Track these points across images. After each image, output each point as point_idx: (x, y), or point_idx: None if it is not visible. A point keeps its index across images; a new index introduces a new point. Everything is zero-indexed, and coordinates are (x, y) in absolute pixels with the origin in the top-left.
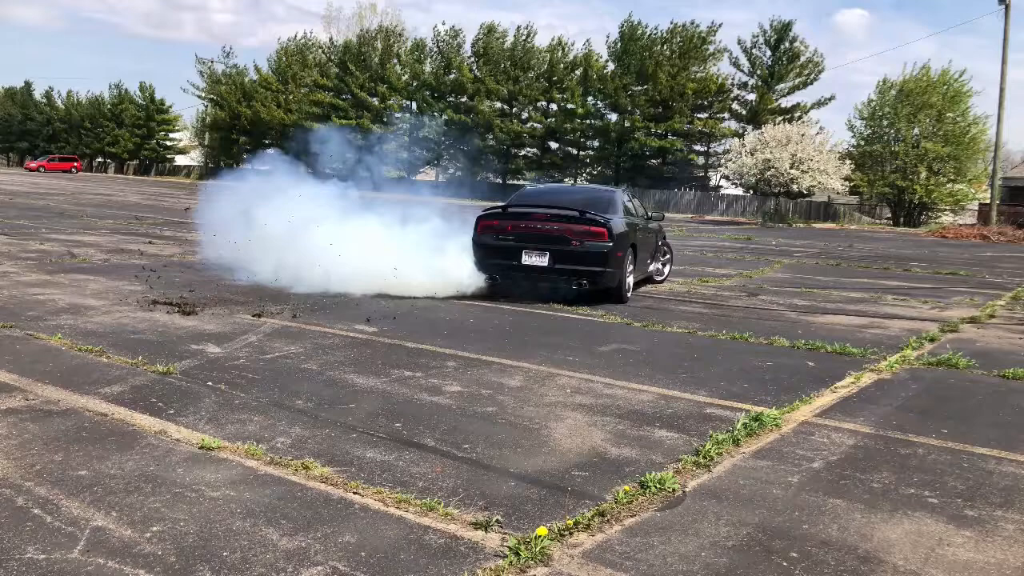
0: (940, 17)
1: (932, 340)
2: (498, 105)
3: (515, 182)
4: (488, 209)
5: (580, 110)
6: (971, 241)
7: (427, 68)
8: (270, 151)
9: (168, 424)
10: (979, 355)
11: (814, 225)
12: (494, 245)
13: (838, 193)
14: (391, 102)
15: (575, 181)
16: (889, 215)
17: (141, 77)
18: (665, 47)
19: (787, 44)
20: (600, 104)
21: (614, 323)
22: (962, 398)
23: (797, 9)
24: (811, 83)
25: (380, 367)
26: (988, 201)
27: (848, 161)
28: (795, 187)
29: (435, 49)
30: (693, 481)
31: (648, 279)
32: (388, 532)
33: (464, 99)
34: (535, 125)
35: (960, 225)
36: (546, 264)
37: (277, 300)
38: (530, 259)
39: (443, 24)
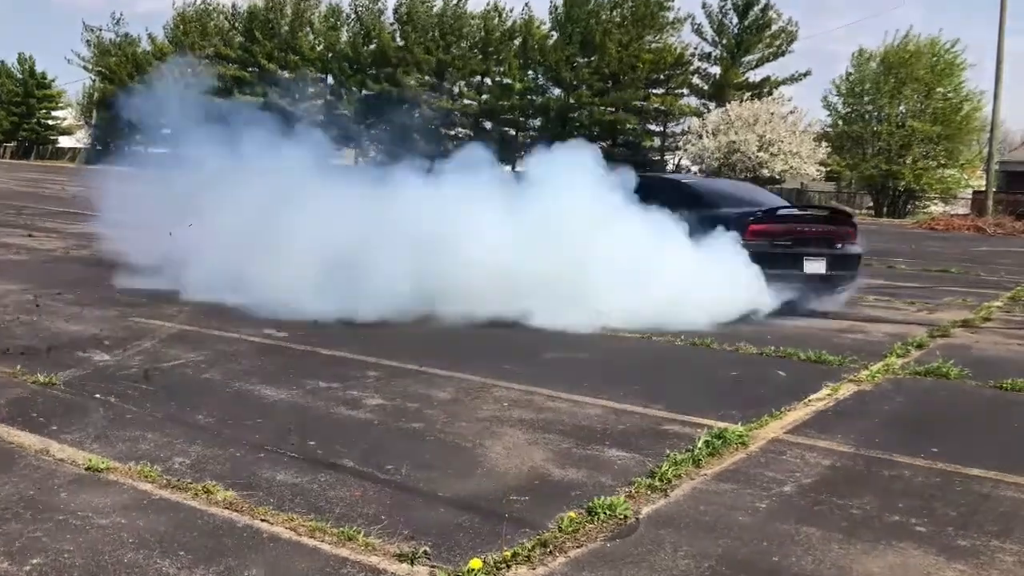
0: None
1: (920, 346)
2: (426, 79)
3: None
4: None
5: (519, 85)
6: (964, 234)
7: (344, 37)
8: (166, 130)
9: (50, 442)
10: (973, 363)
11: None
12: (771, 253)
13: (813, 179)
14: (302, 74)
15: (513, 166)
16: (871, 204)
17: (19, 47)
18: (615, 13)
19: (757, 10)
20: (541, 78)
21: (581, 333)
22: (954, 413)
23: None
24: (782, 54)
25: (292, 377)
26: (983, 188)
27: (824, 143)
28: (764, 172)
29: (353, 15)
30: (647, 507)
31: None
32: (300, 565)
33: (387, 71)
34: (468, 102)
35: (952, 216)
36: (823, 271)
37: (176, 302)
38: (811, 267)
39: None
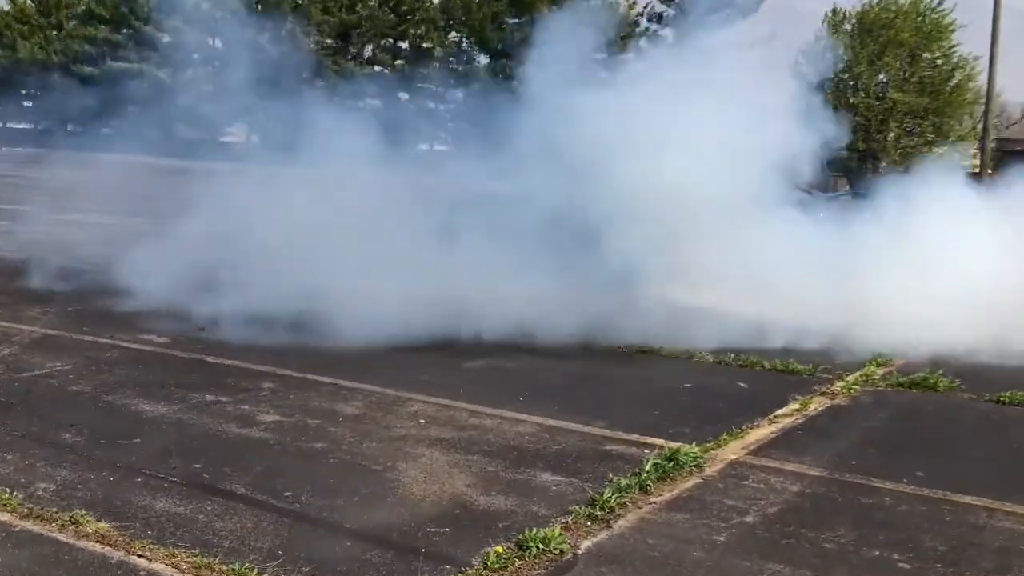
0: None
1: (904, 353)
2: (329, 41)
3: None
4: None
5: (439, 50)
6: None
7: None
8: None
9: None
10: (967, 373)
11: None
12: None
13: None
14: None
15: (432, 145)
16: (848, 187)
17: None
18: None
19: None
20: (466, 42)
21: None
22: (943, 430)
23: None
24: (745, 16)
25: (174, 390)
26: (978, 169)
27: None
28: None
29: None
30: (587, 540)
31: None
32: None
33: (284, 29)
34: (380, 69)
35: None
36: None
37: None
38: None
39: None
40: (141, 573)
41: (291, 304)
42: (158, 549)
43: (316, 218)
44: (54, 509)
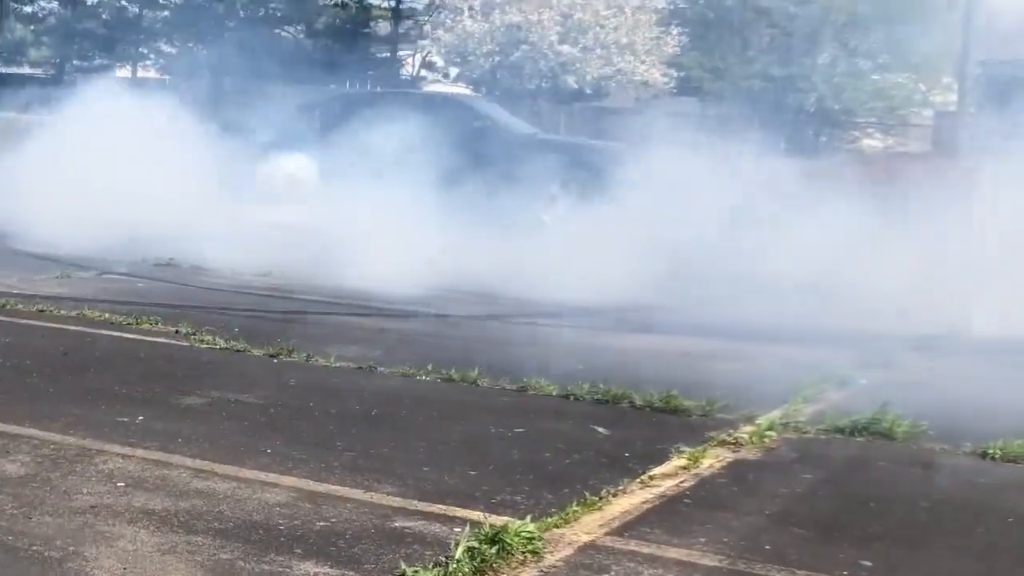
0: None
1: (842, 383)
2: None
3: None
4: None
5: None
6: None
7: None
8: None
9: None
10: (936, 411)
11: None
12: None
13: (656, 93)
14: None
15: (133, 70)
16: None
17: None
18: None
19: None
20: None
21: (216, 348)
22: (900, 498)
23: None
24: None
25: None
26: (954, 108)
27: (676, 30)
28: (570, 82)
29: None
30: None
31: None
32: None
33: None
34: None
35: (898, 155)
36: None
37: None
38: None
39: None
40: None
41: None
42: None
43: None
44: None
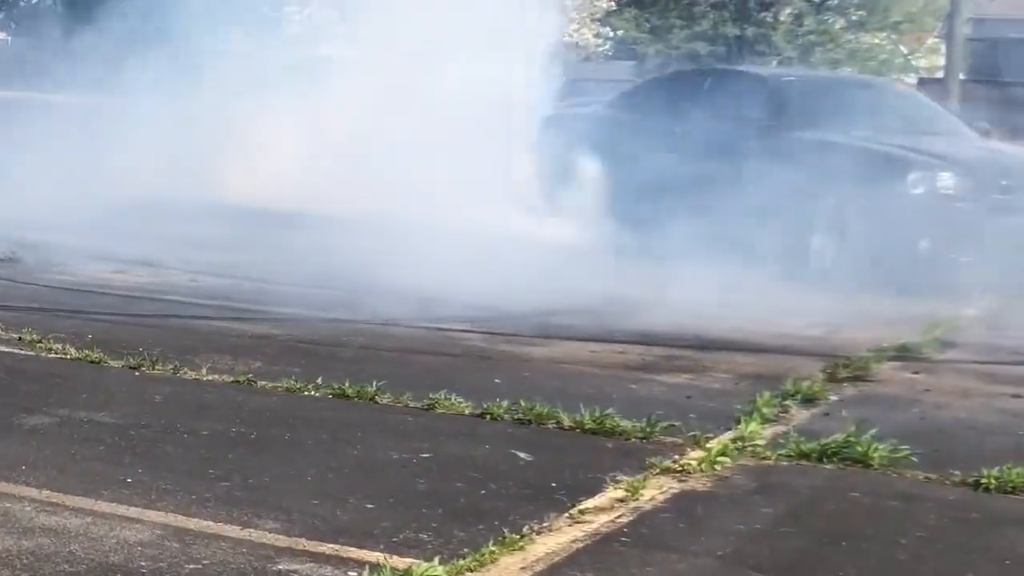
0: None
1: (809, 399)
2: None
3: None
4: None
5: None
6: None
7: None
8: None
9: None
10: (917, 434)
11: None
12: None
13: (587, 56)
14: None
15: None
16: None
17: None
18: None
19: None
20: None
21: (67, 358)
22: (877, 536)
23: None
24: None
25: None
26: (940, 74)
27: None
28: None
29: None
30: None
31: None
32: None
33: None
34: None
35: None
36: None
37: None
38: None
39: None
40: None
41: None
42: None
43: None
44: None
